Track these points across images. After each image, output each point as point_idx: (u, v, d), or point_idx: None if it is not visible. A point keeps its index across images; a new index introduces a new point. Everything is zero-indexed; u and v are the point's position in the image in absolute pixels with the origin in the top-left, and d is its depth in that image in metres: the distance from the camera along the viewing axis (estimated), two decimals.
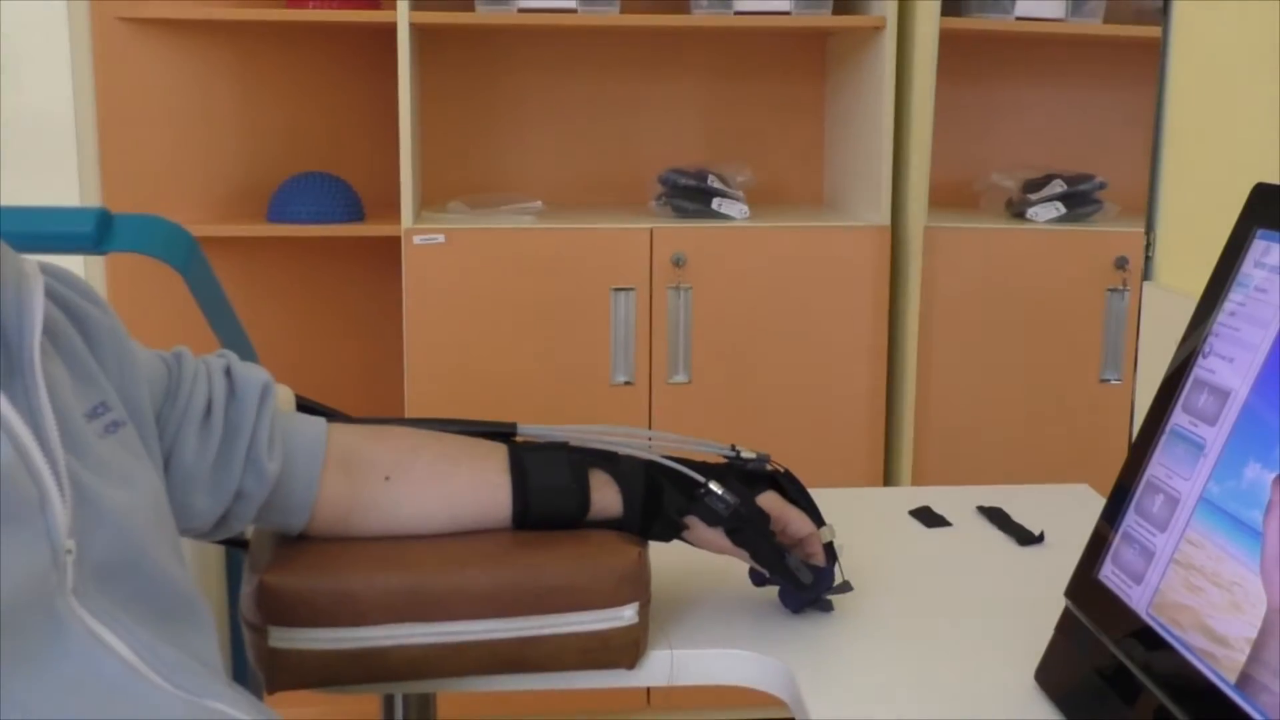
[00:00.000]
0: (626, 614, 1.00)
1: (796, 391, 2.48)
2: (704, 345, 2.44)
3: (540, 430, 1.09)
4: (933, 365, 2.47)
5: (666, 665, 1.04)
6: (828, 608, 1.10)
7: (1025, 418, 2.50)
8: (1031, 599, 1.12)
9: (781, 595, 1.11)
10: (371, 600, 0.95)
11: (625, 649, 1.01)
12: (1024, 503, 1.39)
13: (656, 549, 1.06)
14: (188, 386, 0.95)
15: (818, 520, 1.08)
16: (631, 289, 2.40)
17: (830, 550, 1.08)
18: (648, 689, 2.46)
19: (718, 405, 2.45)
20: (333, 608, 0.95)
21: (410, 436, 1.05)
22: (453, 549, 1.00)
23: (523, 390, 2.39)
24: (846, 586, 1.10)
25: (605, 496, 1.04)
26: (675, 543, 1.07)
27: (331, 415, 1.06)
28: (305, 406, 1.17)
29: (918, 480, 2.45)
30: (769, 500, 1.06)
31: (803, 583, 1.06)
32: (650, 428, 2.35)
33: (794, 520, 1.07)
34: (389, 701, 1.27)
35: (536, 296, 2.40)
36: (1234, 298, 0.89)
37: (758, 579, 1.12)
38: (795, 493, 1.09)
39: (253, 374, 0.99)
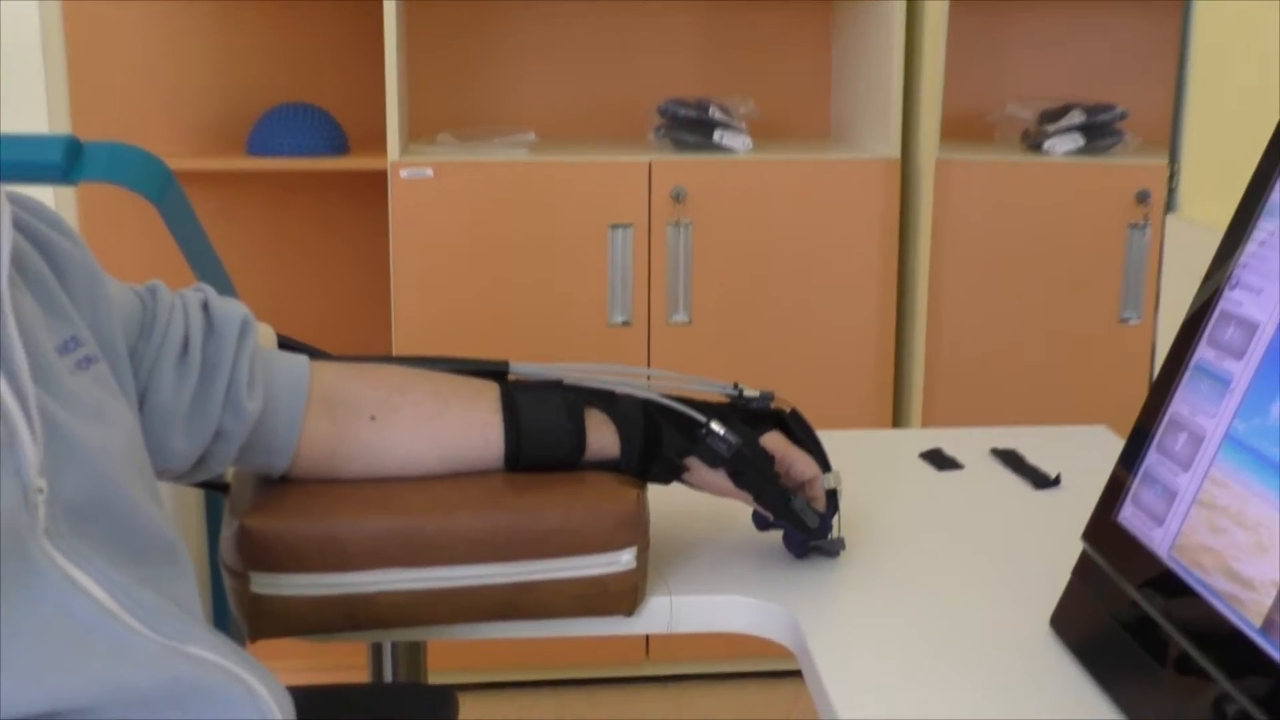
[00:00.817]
0: (624, 559, 1.00)
1: (802, 331, 2.47)
2: (705, 284, 2.43)
3: (533, 369, 1.09)
4: (944, 303, 2.46)
5: (666, 612, 1.04)
6: (834, 553, 1.10)
7: (1041, 358, 2.49)
8: (1047, 544, 1.13)
9: (786, 540, 1.11)
10: (357, 544, 0.95)
11: (623, 595, 1.01)
12: (1039, 445, 1.39)
13: (655, 492, 1.06)
14: (163, 322, 0.94)
15: (824, 464, 1.08)
16: (629, 225, 2.39)
17: (832, 499, 1.08)
18: (647, 638, 2.48)
19: (720, 346, 2.45)
20: (317, 552, 0.95)
21: (397, 375, 1.04)
22: (442, 491, 1.00)
23: (516, 331, 2.39)
24: (839, 544, 1.10)
25: (602, 437, 1.04)
26: (675, 485, 1.07)
27: (314, 353, 1.06)
28: (287, 345, 1.17)
29: (928, 422, 2.45)
30: (773, 441, 1.07)
31: (809, 526, 1.06)
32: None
33: (798, 462, 1.07)
34: (377, 650, 1.27)
35: (530, 233, 2.39)
36: (1263, 227, 0.88)
37: (761, 523, 1.12)
38: (802, 433, 1.09)
39: (231, 309, 0.98)
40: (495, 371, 1.09)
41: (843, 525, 1.10)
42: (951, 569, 1.11)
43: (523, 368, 1.09)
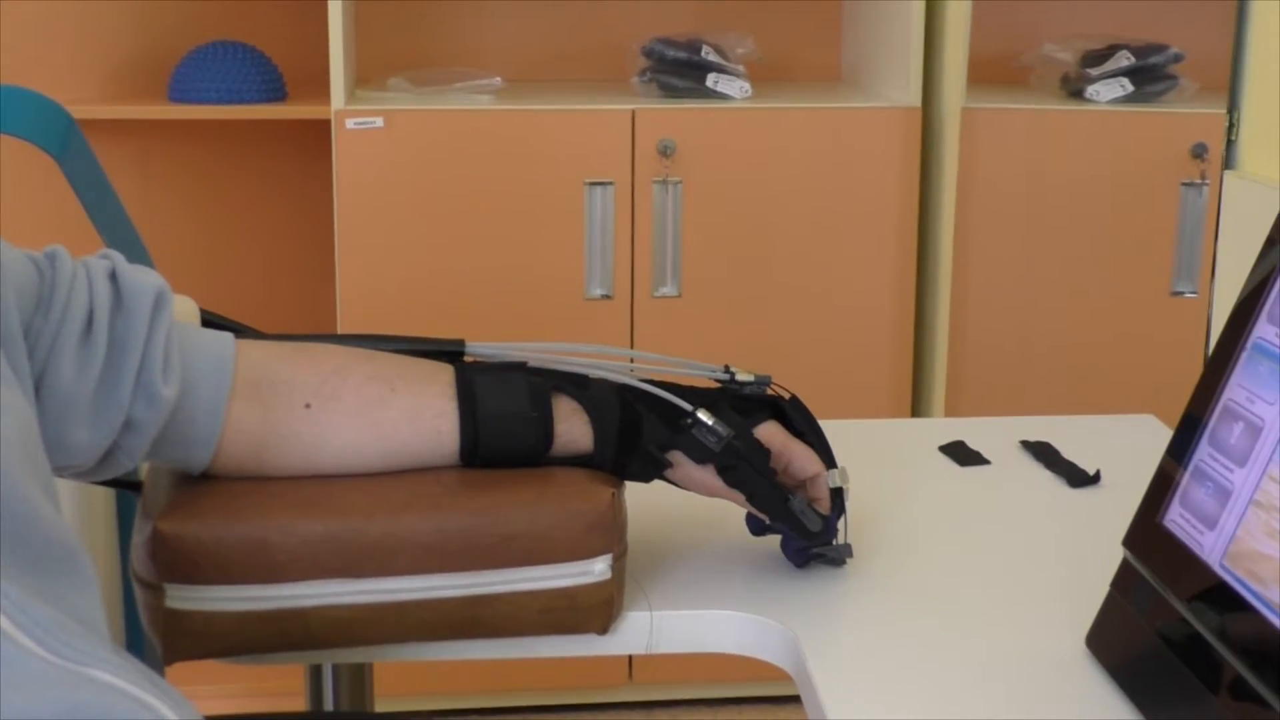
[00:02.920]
0: (597, 568, 1.00)
1: (807, 306, 2.48)
2: (696, 251, 2.43)
3: (494, 349, 1.09)
4: (971, 274, 2.46)
5: (645, 630, 1.04)
6: (839, 561, 1.11)
7: (1081, 337, 2.50)
8: (1083, 550, 1.13)
9: (784, 546, 1.11)
10: (289, 551, 0.96)
11: (596, 610, 1.01)
12: (1077, 436, 1.39)
13: (634, 491, 1.06)
14: (64, 294, 0.93)
15: (828, 460, 1.08)
16: (609, 183, 2.39)
17: (837, 499, 1.08)
18: (629, 659, 2.48)
19: (712, 323, 2.45)
20: (243, 560, 0.95)
21: (337, 356, 1.04)
22: (388, 490, 1.00)
23: (477, 306, 2.39)
24: (845, 551, 1.10)
25: (572, 427, 1.04)
26: (657, 484, 1.07)
27: (241, 331, 1.06)
28: (211, 323, 1.16)
29: (951, 411, 2.46)
30: (770, 432, 1.07)
31: (810, 530, 1.06)
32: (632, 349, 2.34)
33: (799, 457, 1.07)
34: (315, 674, 1.27)
35: (494, 193, 2.38)
36: None
37: (756, 526, 1.12)
38: (802, 424, 1.09)
39: (144, 279, 0.98)
40: (449, 352, 1.09)
41: (849, 530, 1.10)
42: (974, 580, 1.11)
43: (481, 348, 1.09)
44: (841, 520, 1.09)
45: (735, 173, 2.43)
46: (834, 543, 1.09)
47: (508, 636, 1.01)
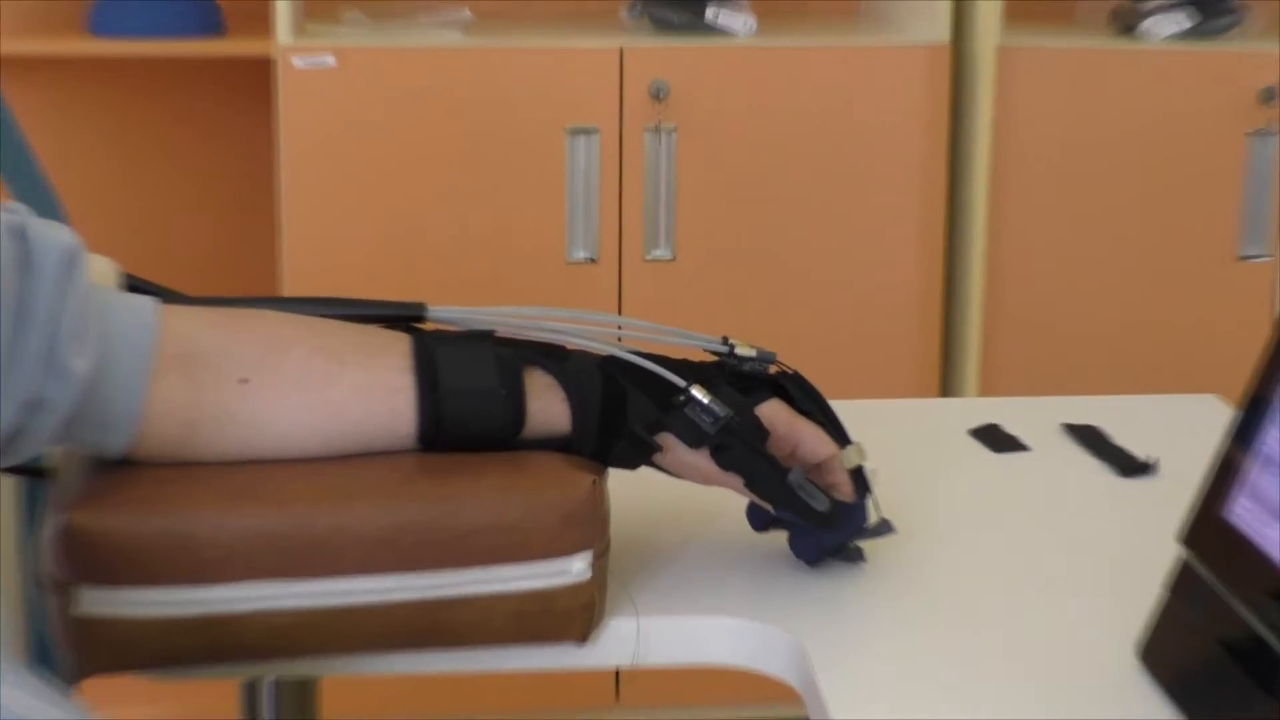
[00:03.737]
0: (576, 567, 1.00)
1: (820, 272, 2.47)
2: (693, 209, 2.43)
3: (459, 314, 1.09)
4: (1007, 235, 2.46)
5: (631, 638, 1.04)
6: (857, 557, 1.11)
7: (1133, 307, 2.50)
8: (1134, 548, 1.13)
9: (792, 542, 1.11)
10: (221, 547, 0.95)
11: (574, 616, 1.01)
12: (1128, 419, 1.39)
13: (618, 479, 1.06)
14: None
15: (840, 438, 1.09)
16: (594, 131, 2.39)
17: (860, 478, 1.09)
18: (616, 673, 2.48)
19: (711, 291, 2.45)
20: (168, 559, 0.95)
21: (277, 324, 1.04)
22: (335, 477, 1.00)
23: (443, 272, 2.39)
24: (886, 527, 1.11)
25: (547, 405, 1.04)
26: (644, 470, 1.07)
27: (168, 296, 1.05)
28: (133, 288, 1.15)
29: (986, 390, 2.47)
30: (774, 412, 1.07)
31: (820, 513, 1.06)
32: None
33: (808, 438, 1.07)
34: (250, 691, 1.27)
35: (462, 143, 2.38)
36: None
37: (759, 519, 1.12)
38: (807, 403, 1.09)
39: (55, 236, 0.98)
40: (408, 318, 1.09)
41: (879, 509, 1.10)
42: (1010, 583, 1.11)
43: (444, 313, 1.09)
44: (870, 500, 1.10)
45: (738, 120, 2.42)
46: (866, 526, 1.10)
47: (473, 646, 1.01)
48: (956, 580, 1.11)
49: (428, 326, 1.08)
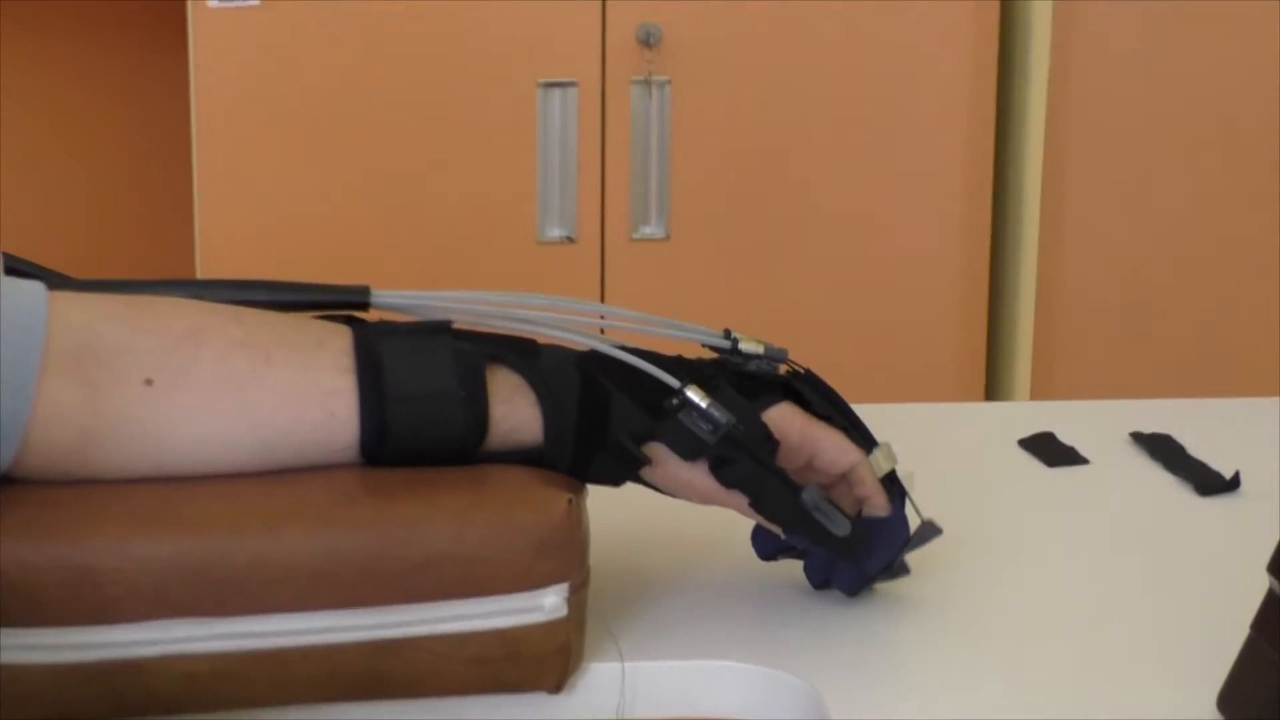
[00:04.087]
0: (549, 602, 0.99)
1: (841, 254, 2.47)
2: (689, 178, 2.43)
3: (408, 299, 1.08)
4: (1065, 212, 2.46)
5: (615, 687, 1.04)
6: (902, 571, 1.12)
7: (1212, 296, 2.50)
8: (1215, 579, 1.13)
9: (809, 569, 1.12)
10: (125, 582, 0.94)
11: (547, 660, 1.01)
12: (1207, 427, 1.40)
13: (599, 498, 1.05)
14: None
15: (864, 441, 1.09)
16: (571, 84, 2.38)
17: (895, 484, 1.09)
18: None
19: (710, 276, 2.45)
20: (60, 594, 0.94)
21: (190, 314, 1.03)
22: (261, 497, 1.00)
23: (389, 253, 2.39)
24: (931, 530, 1.11)
25: (514, 411, 1.04)
26: (630, 488, 1.07)
27: (56, 280, 1.04)
28: (15, 271, 1.15)
29: (1038, 393, 2.48)
30: (785, 417, 1.07)
31: (839, 540, 1.06)
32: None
33: (826, 446, 1.07)
34: None
35: (414, 99, 2.38)
36: None
37: (766, 548, 1.13)
38: (823, 406, 1.09)
39: None
40: (348, 305, 1.08)
41: (919, 511, 1.11)
42: (1066, 623, 1.10)
43: (391, 298, 1.08)
44: (907, 504, 1.10)
45: (743, 72, 2.42)
46: (908, 534, 1.10)
47: (426, 697, 1.00)
48: (1003, 619, 1.11)
49: (371, 317, 1.08)
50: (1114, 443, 1.38)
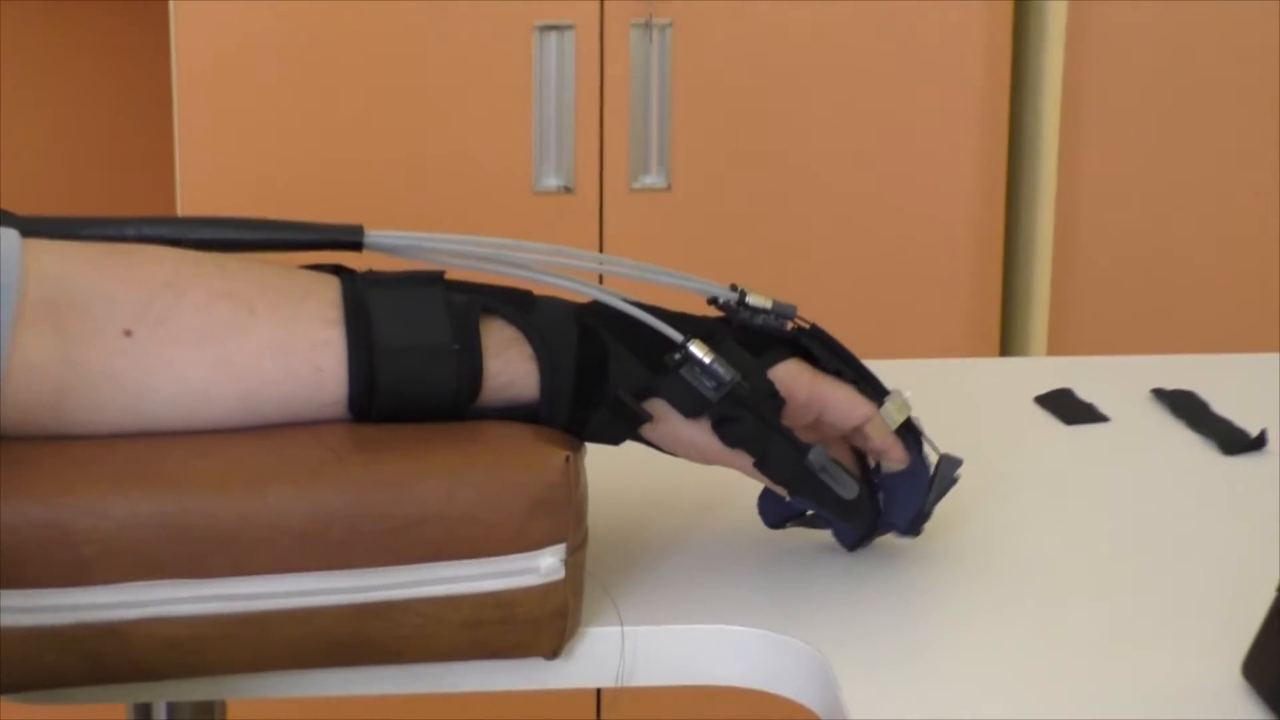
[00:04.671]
0: (545, 564, 1.00)
1: (851, 204, 2.47)
2: (692, 126, 2.42)
3: (404, 240, 1.08)
4: (1084, 156, 2.46)
5: (615, 653, 1.04)
6: (917, 526, 1.12)
7: (1237, 245, 2.49)
8: (1239, 542, 1.13)
9: (839, 533, 1.12)
10: (103, 541, 0.94)
11: (543, 625, 1.01)
12: (1233, 384, 1.40)
13: (597, 456, 1.06)
14: None
15: (875, 394, 1.09)
16: (568, 27, 2.38)
17: (911, 432, 1.09)
18: (596, 694, 2.48)
19: (713, 228, 2.45)
20: (36, 555, 0.94)
21: (171, 261, 1.03)
22: (245, 454, 1.00)
23: (376, 201, 2.39)
24: (952, 463, 1.11)
25: (510, 364, 1.04)
26: (631, 447, 1.07)
27: (28, 225, 1.04)
28: None
29: (1056, 347, 2.47)
30: (790, 375, 1.07)
31: (845, 502, 1.06)
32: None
33: (835, 401, 1.08)
34: (143, 715, 1.27)
35: (403, 41, 2.37)
36: None
37: (774, 514, 1.13)
38: (831, 360, 1.10)
39: None
40: (341, 244, 1.08)
41: (936, 448, 1.11)
42: (1085, 586, 1.11)
43: (387, 239, 1.08)
44: (923, 447, 1.10)
45: (747, 15, 2.41)
46: (931, 478, 1.10)
47: (417, 663, 1.01)
48: (1020, 582, 1.11)
49: (360, 267, 1.08)
50: (1134, 400, 1.38)
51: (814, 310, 1.11)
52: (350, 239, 1.08)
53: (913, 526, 1.11)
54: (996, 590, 1.10)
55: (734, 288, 1.09)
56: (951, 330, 2.50)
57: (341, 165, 2.38)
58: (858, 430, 1.08)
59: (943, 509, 1.13)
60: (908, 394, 1.10)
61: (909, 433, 1.09)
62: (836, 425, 1.08)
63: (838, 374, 1.08)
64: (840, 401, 1.07)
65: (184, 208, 2.36)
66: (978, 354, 2.48)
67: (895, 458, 1.09)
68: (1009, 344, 2.53)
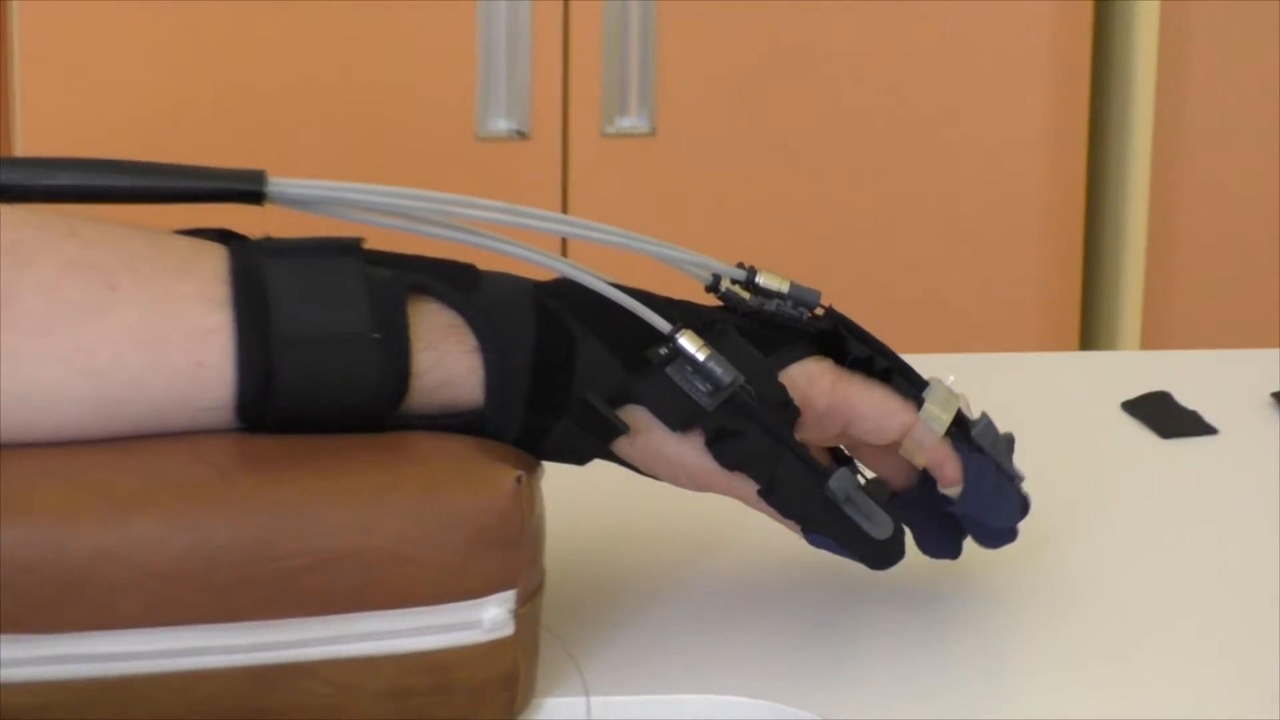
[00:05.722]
0: (489, 616, 0.99)
1: (888, 160, 2.47)
2: (682, 55, 2.42)
3: (318, 190, 1.06)
4: (1187, 103, 2.45)
5: None
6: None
7: None
8: None
9: (921, 539, 1.13)
10: None
11: (487, 695, 1.01)
12: None
13: (558, 479, 1.05)
14: None
15: (911, 388, 1.09)
16: None
17: (962, 429, 1.09)
18: None
19: (708, 183, 2.45)
20: None
21: (7, 225, 1.03)
22: (106, 474, 0.99)
23: (280, 147, 2.40)
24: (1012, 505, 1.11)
25: (446, 360, 1.04)
26: (602, 468, 1.08)
27: None
28: None
29: (1151, 339, 2.50)
30: (809, 377, 1.08)
31: (876, 543, 1.07)
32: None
33: (868, 409, 1.08)
34: None
35: None
36: None
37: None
38: (860, 349, 1.10)
39: None
40: (233, 195, 1.06)
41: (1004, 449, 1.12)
42: (1183, 645, 1.12)
43: (297, 188, 1.06)
44: (984, 460, 1.10)
45: None
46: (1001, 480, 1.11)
47: None
48: (1095, 640, 1.11)
49: (255, 234, 1.07)
50: (1251, 406, 1.39)
51: (839, 291, 1.11)
52: (247, 188, 1.06)
53: (994, 541, 1.12)
54: (1066, 651, 1.10)
55: (742, 266, 1.09)
56: (1019, 318, 2.52)
57: (237, 102, 2.39)
58: (901, 445, 1.09)
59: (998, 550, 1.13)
60: (951, 380, 1.11)
61: (960, 429, 1.09)
62: (867, 439, 1.09)
63: (868, 364, 1.09)
64: (872, 409, 1.08)
65: (23, 147, 2.35)
66: (1051, 347, 2.48)
67: (948, 478, 1.09)
68: (1091, 335, 2.54)
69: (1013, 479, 1.11)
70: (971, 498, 1.09)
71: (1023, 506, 1.11)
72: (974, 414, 1.11)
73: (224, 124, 2.38)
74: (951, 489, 1.09)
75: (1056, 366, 1.62)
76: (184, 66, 2.38)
